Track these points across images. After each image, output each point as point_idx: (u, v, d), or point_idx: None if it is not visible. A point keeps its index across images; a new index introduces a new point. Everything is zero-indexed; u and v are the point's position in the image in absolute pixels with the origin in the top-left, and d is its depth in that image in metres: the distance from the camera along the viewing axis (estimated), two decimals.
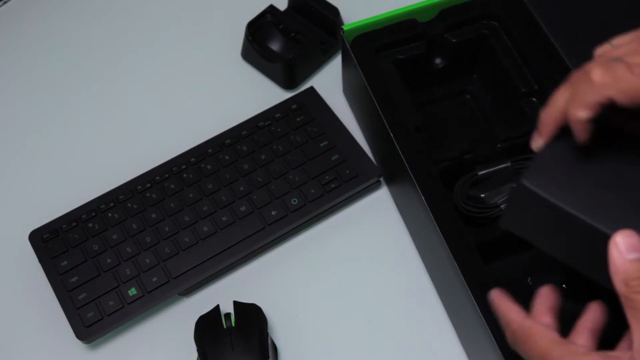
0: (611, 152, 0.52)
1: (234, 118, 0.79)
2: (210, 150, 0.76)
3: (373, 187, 0.76)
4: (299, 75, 0.82)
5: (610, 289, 0.46)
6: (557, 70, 0.68)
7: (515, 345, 0.51)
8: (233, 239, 0.71)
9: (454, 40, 0.74)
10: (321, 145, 0.76)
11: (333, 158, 0.75)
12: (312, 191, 0.73)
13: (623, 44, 0.51)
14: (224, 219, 0.72)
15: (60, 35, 0.88)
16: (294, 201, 0.73)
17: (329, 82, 0.83)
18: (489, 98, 0.77)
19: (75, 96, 0.84)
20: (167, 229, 0.72)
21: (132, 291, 0.69)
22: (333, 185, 0.74)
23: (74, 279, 0.69)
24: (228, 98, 0.83)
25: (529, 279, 0.67)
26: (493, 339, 0.58)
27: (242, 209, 0.73)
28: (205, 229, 0.72)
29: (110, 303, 0.68)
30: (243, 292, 0.71)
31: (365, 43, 0.74)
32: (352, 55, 0.73)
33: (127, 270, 0.70)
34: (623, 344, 0.48)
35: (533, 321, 0.50)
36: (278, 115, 0.78)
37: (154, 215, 0.73)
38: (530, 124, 0.70)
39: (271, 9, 0.84)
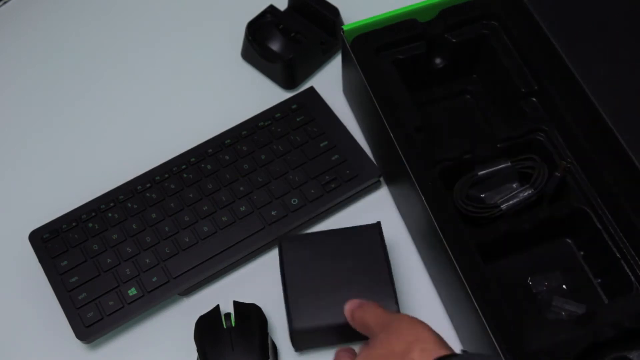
0: None
1: (234, 118, 0.79)
2: (210, 150, 0.76)
3: (373, 187, 0.76)
4: (299, 75, 0.82)
5: None
6: (557, 70, 0.68)
7: None
8: (233, 239, 0.71)
9: (454, 40, 0.74)
10: (321, 145, 0.76)
11: (333, 158, 0.75)
12: (312, 191, 0.73)
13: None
14: (224, 219, 0.72)
15: (61, 35, 0.88)
16: (294, 201, 0.73)
17: (329, 82, 0.83)
18: (489, 98, 0.77)
19: (75, 96, 0.84)
20: (167, 229, 0.72)
21: (132, 291, 0.69)
22: (333, 185, 0.74)
23: (74, 279, 0.70)
24: (228, 98, 0.83)
25: (529, 278, 0.67)
26: (493, 339, 0.58)
27: (242, 209, 0.73)
28: (205, 229, 0.72)
29: (110, 303, 0.68)
30: (243, 292, 0.71)
31: (365, 43, 0.74)
32: (352, 55, 0.73)
33: (127, 270, 0.70)
34: None
35: None
36: (278, 115, 0.78)
37: (154, 215, 0.73)
38: (530, 124, 0.70)
39: (271, 9, 0.84)
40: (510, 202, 0.68)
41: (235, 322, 0.66)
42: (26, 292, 0.72)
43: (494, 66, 0.74)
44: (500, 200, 0.68)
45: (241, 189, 0.74)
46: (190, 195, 0.74)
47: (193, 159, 0.76)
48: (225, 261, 0.71)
